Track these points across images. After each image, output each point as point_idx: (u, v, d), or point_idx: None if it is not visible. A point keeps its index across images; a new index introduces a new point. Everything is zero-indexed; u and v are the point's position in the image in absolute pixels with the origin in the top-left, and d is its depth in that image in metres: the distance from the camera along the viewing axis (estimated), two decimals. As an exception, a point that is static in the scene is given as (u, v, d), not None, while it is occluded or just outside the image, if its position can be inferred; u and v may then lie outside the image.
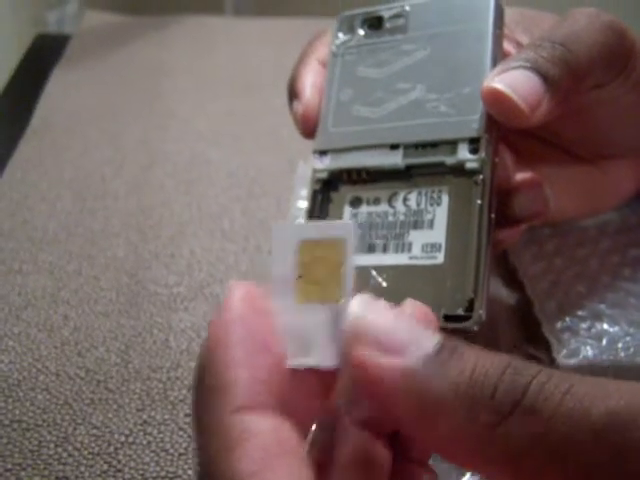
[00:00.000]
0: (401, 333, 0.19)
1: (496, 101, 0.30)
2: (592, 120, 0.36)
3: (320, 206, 0.33)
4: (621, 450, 0.16)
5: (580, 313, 0.39)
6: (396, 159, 0.32)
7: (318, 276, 0.21)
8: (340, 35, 0.36)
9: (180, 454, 0.33)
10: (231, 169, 0.51)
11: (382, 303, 0.20)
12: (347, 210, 0.32)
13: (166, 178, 0.51)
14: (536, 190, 0.35)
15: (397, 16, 0.35)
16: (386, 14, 0.35)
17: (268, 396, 0.19)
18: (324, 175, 0.33)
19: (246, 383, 0.19)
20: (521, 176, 0.35)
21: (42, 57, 0.69)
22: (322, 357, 0.20)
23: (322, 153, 0.33)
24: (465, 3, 0.34)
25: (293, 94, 0.36)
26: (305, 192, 0.37)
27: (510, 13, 0.35)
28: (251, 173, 0.51)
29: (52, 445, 0.33)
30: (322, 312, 0.20)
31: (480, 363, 0.18)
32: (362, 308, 0.20)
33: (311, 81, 0.35)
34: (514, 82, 0.30)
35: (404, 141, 0.32)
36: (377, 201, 0.32)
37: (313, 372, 0.21)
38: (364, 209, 0.32)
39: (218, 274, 0.42)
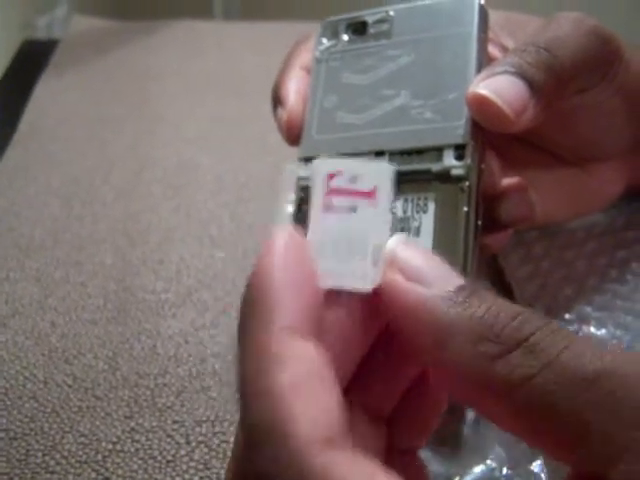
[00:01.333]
0: (431, 269, 0.21)
1: (481, 107, 0.30)
2: (577, 124, 0.36)
3: (306, 214, 0.33)
4: (610, 395, 0.18)
5: (567, 316, 0.39)
6: None
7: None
8: (324, 41, 0.36)
9: (168, 461, 0.33)
10: (219, 174, 0.51)
11: (419, 244, 0.22)
12: None
13: (154, 184, 0.51)
14: (521, 195, 0.35)
15: (381, 21, 0.35)
16: (370, 19, 0.35)
17: (311, 324, 0.20)
18: (308, 183, 0.33)
19: (292, 307, 0.20)
20: (507, 181, 0.36)
21: (29, 62, 0.69)
22: (356, 280, 0.21)
23: (307, 160, 0.33)
24: (450, 8, 0.34)
25: (277, 101, 0.35)
26: (292, 196, 0.37)
27: (495, 16, 0.35)
28: (240, 178, 0.51)
29: (40, 454, 0.33)
30: (363, 240, 0.22)
31: (495, 305, 0.20)
32: (400, 243, 0.22)
33: (295, 88, 0.35)
34: (499, 87, 0.30)
35: (389, 148, 0.32)
36: None
37: (353, 320, 0.22)
38: None
39: (206, 280, 0.42)
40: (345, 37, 0.35)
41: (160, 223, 0.47)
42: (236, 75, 0.65)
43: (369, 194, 0.22)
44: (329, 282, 0.21)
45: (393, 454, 0.24)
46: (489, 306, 0.20)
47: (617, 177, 0.41)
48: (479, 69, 0.32)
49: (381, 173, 0.22)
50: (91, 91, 0.63)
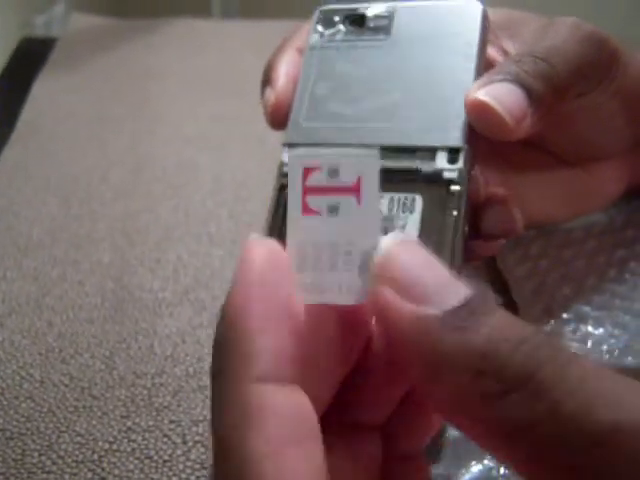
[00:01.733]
0: (429, 281, 0.18)
1: (481, 113, 0.30)
2: (576, 126, 0.36)
3: (285, 202, 0.32)
4: (617, 460, 0.16)
5: (565, 316, 0.39)
6: None
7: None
8: (319, 28, 0.35)
9: (165, 461, 0.33)
10: (218, 173, 0.51)
11: (417, 244, 0.19)
12: None
13: (153, 182, 0.51)
14: (504, 208, 0.34)
15: (381, 16, 0.35)
16: (369, 13, 0.35)
17: (291, 367, 0.18)
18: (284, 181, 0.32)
19: (269, 352, 0.18)
20: (491, 191, 0.35)
21: (28, 61, 0.69)
22: (342, 294, 0.19)
23: (292, 146, 0.32)
24: (452, 10, 0.34)
25: (267, 81, 0.35)
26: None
27: (495, 17, 0.35)
28: (238, 177, 0.51)
29: (36, 454, 0.33)
30: (347, 246, 0.19)
31: (500, 328, 0.17)
32: (395, 246, 0.19)
33: (286, 70, 0.34)
34: (499, 94, 0.30)
35: (379, 143, 0.31)
36: None
37: (336, 338, 0.20)
38: None
39: (204, 279, 0.42)
40: (342, 27, 0.35)
41: (158, 222, 0.47)
42: (235, 74, 0.65)
43: (352, 189, 0.19)
44: (310, 298, 0.19)
45: (393, 460, 0.23)
46: (490, 332, 0.17)
47: (617, 176, 0.41)
48: (478, 74, 0.32)
49: (364, 162, 0.19)
50: (89, 90, 0.63)
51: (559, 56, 0.31)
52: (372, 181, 0.18)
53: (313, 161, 0.19)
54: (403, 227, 0.29)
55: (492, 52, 0.35)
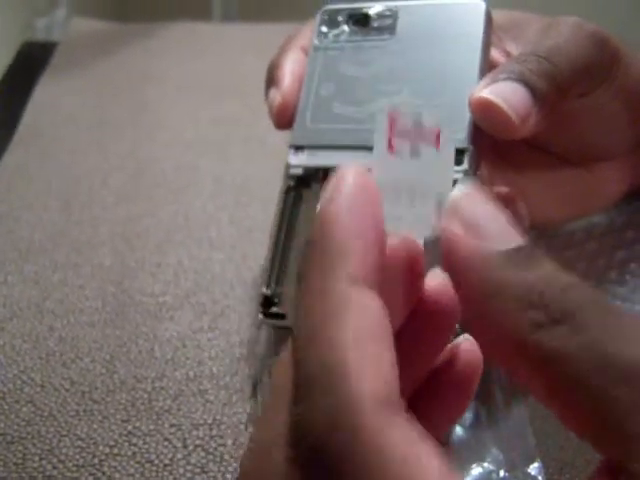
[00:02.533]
0: (493, 225, 0.20)
1: (486, 111, 0.30)
2: (578, 126, 0.36)
3: (292, 203, 0.32)
4: None
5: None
6: None
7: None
8: (323, 28, 0.35)
9: (165, 465, 0.33)
10: (218, 177, 0.51)
11: (485, 194, 0.21)
12: None
13: (153, 187, 0.51)
14: (511, 207, 0.34)
15: (385, 15, 0.35)
16: (373, 12, 0.35)
17: (377, 275, 0.19)
18: (299, 171, 0.32)
19: (363, 256, 0.19)
20: (496, 191, 0.35)
21: (29, 65, 0.69)
22: (418, 227, 0.21)
23: (298, 148, 0.32)
24: (456, 10, 0.34)
25: (272, 81, 0.35)
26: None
27: (498, 18, 0.35)
28: (238, 181, 0.51)
29: (37, 458, 0.33)
30: (425, 187, 0.21)
31: (552, 272, 0.19)
32: (468, 190, 0.21)
33: (292, 69, 0.34)
34: (504, 93, 0.30)
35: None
36: None
37: (404, 277, 0.21)
38: None
39: (204, 283, 0.42)
40: (345, 27, 0.35)
41: (159, 226, 0.47)
42: (235, 77, 0.65)
43: (433, 137, 0.21)
44: (391, 227, 0.20)
45: None
46: (543, 272, 0.19)
47: (619, 177, 0.41)
48: (482, 74, 0.32)
49: (444, 117, 0.21)
50: (90, 94, 0.63)
51: (561, 55, 0.31)
52: (449, 134, 0.21)
53: (401, 109, 0.21)
54: None
55: (495, 54, 0.35)
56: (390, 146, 0.21)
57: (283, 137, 0.35)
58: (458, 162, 0.30)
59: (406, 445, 0.17)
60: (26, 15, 1.07)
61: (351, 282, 0.19)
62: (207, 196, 0.49)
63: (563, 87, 0.31)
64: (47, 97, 0.62)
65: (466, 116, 0.30)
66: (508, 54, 0.35)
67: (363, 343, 0.18)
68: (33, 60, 0.69)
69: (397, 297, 0.22)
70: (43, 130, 0.57)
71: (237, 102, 0.60)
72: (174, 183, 0.51)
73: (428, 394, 0.24)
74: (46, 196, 0.50)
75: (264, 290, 0.32)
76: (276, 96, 0.34)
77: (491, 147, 0.37)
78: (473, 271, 0.20)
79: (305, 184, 0.33)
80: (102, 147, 0.55)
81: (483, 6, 0.34)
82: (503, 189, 0.34)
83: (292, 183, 0.32)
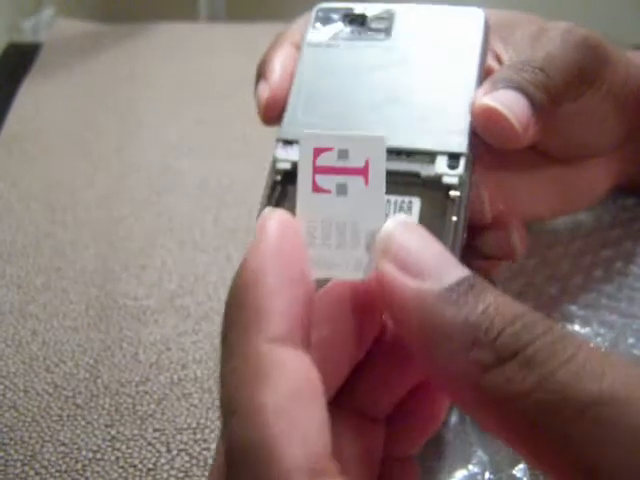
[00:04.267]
0: (427, 259, 0.19)
1: (490, 119, 0.29)
2: (567, 126, 0.36)
3: (278, 198, 0.32)
4: (602, 427, 0.17)
5: (552, 315, 0.39)
6: None
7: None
8: (318, 25, 0.34)
9: (149, 469, 0.33)
10: (202, 178, 0.51)
11: (419, 228, 0.20)
12: None
13: (137, 188, 0.50)
14: (504, 234, 0.34)
15: (382, 17, 0.34)
16: (370, 13, 0.34)
17: (302, 332, 0.19)
18: (287, 166, 0.31)
19: (284, 314, 0.18)
20: (496, 214, 0.35)
21: (14, 66, 0.69)
22: (349, 270, 0.20)
23: (287, 142, 0.32)
24: (454, 16, 0.34)
25: (261, 75, 0.34)
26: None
27: (487, 17, 0.35)
28: (222, 182, 0.51)
29: (19, 464, 0.33)
30: (354, 225, 0.20)
31: (494, 305, 0.18)
32: (397, 226, 0.20)
33: (282, 63, 0.34)
34: (507, 101, 0.30)
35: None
36: None
37: (349, 324, 0.21)
38: None
39: (188, 285, 0.42)
40: (341, 25, 0.34)
41: (143, 228, 0.47)
42: (220, 78, 0.64)
43: (360, 171, 0.20)
44: (319, 272, 0.20)
45: (389, 460, 0.24)
46: (486, 307, 0.18)
47: (605, 174, 0.41)
48: (479, 80, 0.31)
49: (372, 145, 0.20)
50: (74, 95, 0.62)
51: (554, 66, 0.31)
52: (379, 164, 0.20)
53: (324, 142, 0.20)
54: None
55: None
56: (314, 183, 0.20)
57: (268, 138, 0.35)
58: (453, 166, 0.29)
59: None
60: (12, 16, 1.06)
61: (273, 343, 0.18)
62: (191, 197, 0.49)
63: (557, 98, 0.31)
64: (31, 99, 0.61)
65: (464, 120, 0.30)
66: (497, 55, 0.35)
67: (287, 411, 0.17)
68: (19, 61, 0.69)
69: (350, 333, 0.21)
70: (26, 132, 0.57)
71: (222, 103, 0.60)
72: (158, 185, 0.51)
73: (405, 412, 0.24)
74: (29, 198, 0.49)
75: None
76: (265, 90, 0.33)
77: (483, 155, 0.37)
78: (412, 314, 0.19)
79: (292, 180, 0.32)
80: (86, 149, 0.55)
81: (482, 15, 0.33)
82: (501, 213, 0.34)
83: (279, 178, 0.31)
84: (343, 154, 0.20)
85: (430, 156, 0.30)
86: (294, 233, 0.20)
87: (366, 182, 0.20)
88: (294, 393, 0.17)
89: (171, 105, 0.60)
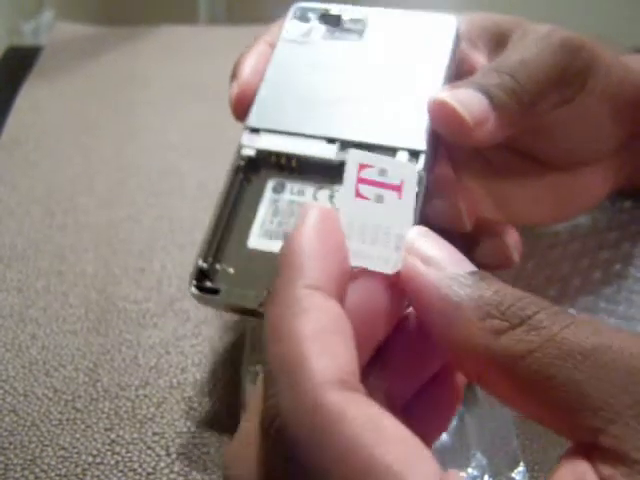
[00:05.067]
0: (447, 256, 0.22)
1: (441, 112, 0.30)
2: (563, 132, 0.36)
3: (240, 183, 0.32)
4: (604, 367, 0.19)
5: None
6: (330, 153, 0.31)
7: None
8: (294, 22, 0.36)
9: (148, 473, 0.33)
10: (202, 181, 0.51)
11: (437, 236, 0.23)
12: (268, 194, 0.32)
13: (137, 191, 0.50)
14: (496, 241, 0.35)
15: (356, 19, 0.35)
16: (345, 14, 0.35)
17: (337, 289, 0.21)
18: (251, 152, 0.32)
19: (323, 270, 0.21)
20: (486, 222, 0.35)
21: (14, 69, 0.69)
22: (380, 263, 0.23)
23: (253, 131, 0.33)
24: (427, 22, 0.34)
25: (233, 75, 0.35)
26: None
27: (484, 22, 0.35)
28: (222, 185, 0.50)
29: (19, 468, 0.33)
30: (386, 228, 0.24)
31: (505, 287, 0.21)
32: (422, 232, 0.23)
33: (253, 62, 0.35)
34: (461, 97, 0.31)
35: (342, 137, 0.31)
36: (301, 193, 0.31)
37: (376, 309, 0.23)
38: (287, 197, 0.32)
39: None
40: (316, 24, 0.35)
41: (143, 231, 0.47)
42: (220, 80, 0.64)
43: (396, 187, 0.24)
44: (355, 261, 0.23)
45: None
46: (497, 289, 0.21)
47: (602, 180, 0.41)
48: (445, 84, 0.32)
49: (408, 172, 0.24)
50: (74, 98, 0.62)
51: (524, 70, 0.32)
52: (411, 184, 0.24)
53: (368, 160, 0.24)
54: None
55: (465, 65, 0.35)
56: (357, 190, 0.23)
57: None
58: (412, 162, 0.30)
59: (365, 415, 0.18)
60: (13, 19, 1.06)
61: (311, 289, 0.21)
62: (191, 200, 0.49)
63: (525, 101, 0.31)
64: (31, 102, 0.61)
65: (425, 119, 0.31)
66: (489, 61, 0.35)
67: (321, 338, 0.20)
68: (18, 64, 0.69)
69: (378, 315, 0.23)
70: (26, 135, 0.57)
71: (222, 106, 0.59)
72: (158, 187, 0.51)
73: (421, 403, 0.25)
74: (29, 202, 0.49)
75: (200, 263, 0.31)
76: (234, 88, 0.34)
77: (472, 154, 0.37)
78: (432, 296, 0.22)
79: (254, 166, 0.33)
80: (86, 151, 0.55)
81: (455, 21, 0.34)
82: (493, 220, 0.35)
83: (242, 163, 0.33)
84: (383, 172, 0.24)
85: (390, 152, 0.31)
86: (334, 218, 0.23)
87: (399, 196, 0.24)
88: (328, 326, 0.20)
89: (171, 108, 0.60)
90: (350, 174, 0.24)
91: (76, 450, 0.34)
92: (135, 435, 0.34)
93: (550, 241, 0.44)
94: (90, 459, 0.33)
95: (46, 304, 0.41)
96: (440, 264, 0.22)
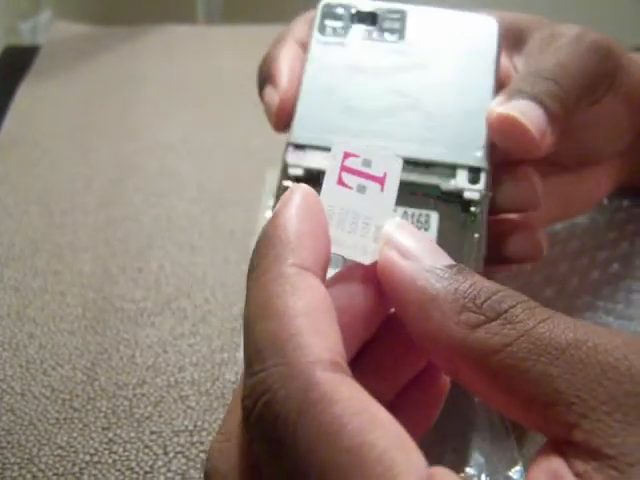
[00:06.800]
0: (424, 248, 0.22)
1: (508, 128, 0.29)
2: (586, 133, 0.36)
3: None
4: (578, 363, 0.19)
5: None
6: None
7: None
8: (326, 22, 0.33)
9: (146, 472, 0.33)
10: (201, 181, 0.51)
11: (414, 228, 0.23)
12: None
13: (135, 191, 0.50)
14: (531, 233, 0.34)
15: (393, 17, 0.33)
16: (381, 12, 0.33)
17: (323, 270, 0.21)
18: (299, 172, 0.30)
19: (312, 251, 0.21)
20: (516, 217, 0.35)
21: (12, 69, 0.69)
22: (358, 253, 0.23)
23: (298, 147, 0.30)
24: (468, 24, 0.33)
25: (267, 79, 0.33)
26: (272, 202, 0.35)
27: (500, 20, 0.34)
28: (221, 184, 0.51)
29: (16, 467, 0.33)
30: (366, 219, 0.23)
31: (480, 282, 0.21)
32: (399, 224, 0.23)
33: (289, 66, 0.32)
34: (524, 110, 0.29)
35: (397, 154, 0.30)
36: None
37: (361, 304, 0.23)
38: None
39: (185, 288, 0.42)
40: (350, 23, 0.33)
41: (141, 231, 0.47)
42: (218, 80, 0.64)
43: (379, 179, 0.23)
44: (333, 248, 0.22)
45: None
46: (473, 282, 0.21)
47: (605, 179, 0.41)
48: (495, 92, 0.31)
49: (391, 164, 0.23)
50: (72, 98, 0.62)
51: (565, 75, 0.31)
52: (394, 178, 0.23)
53: (354, 150, 0.23)
54: None
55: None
56: (340, 177, 0.23)
57: (267, 141, 0.34)
58: (474, 181, 0.29)
59: (357, 398, 0.18)
60: (10, 18, 1.06)
61: (302, 269, 0.21)
62: (189, 200, 0.49)
63: (569, 108, 0.31)
64: (29, 102, 0.61)
65: (483, 133, 0.30)
66: (509, 61, 0.35)
67: (313, 314, 0.19)
68: (16, 64, 0.69)
69: (363, 310, 0.23)
70: (24, 137, 0.57)
71: (220, 106, 0.60)
72: (156, 187, 0.51)
73: (405, 400, 0.24)
74: (27, 201, 0.49)
75: None
76: (274, 97, 0.32)
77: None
78: (409, 289, 0.21)
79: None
80: (84, 151, 0.55)
81: (496, 24, 0.33)
82: (523, 216, 0.34)
83: (289, 183, 0.30)
84: (367, 162, 0.23)
85: (451, 169, 0.29)
86: (316, 198, 0.22)
87: (382, 189, 0.23)
88: (318, 305, 0.20)
89: (169, 107, 0.60)
90: (334, 161, 0.23)
91: (73, 449, 0.34)
92: (132, 434, 0.34)
93: (550, 239, 0.44)
94: (87, 458, 0.33)
95: (44, 303, 0.41)
96: (417, 256, 0.22)
